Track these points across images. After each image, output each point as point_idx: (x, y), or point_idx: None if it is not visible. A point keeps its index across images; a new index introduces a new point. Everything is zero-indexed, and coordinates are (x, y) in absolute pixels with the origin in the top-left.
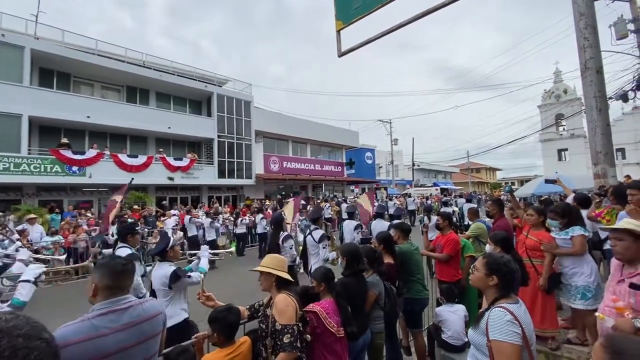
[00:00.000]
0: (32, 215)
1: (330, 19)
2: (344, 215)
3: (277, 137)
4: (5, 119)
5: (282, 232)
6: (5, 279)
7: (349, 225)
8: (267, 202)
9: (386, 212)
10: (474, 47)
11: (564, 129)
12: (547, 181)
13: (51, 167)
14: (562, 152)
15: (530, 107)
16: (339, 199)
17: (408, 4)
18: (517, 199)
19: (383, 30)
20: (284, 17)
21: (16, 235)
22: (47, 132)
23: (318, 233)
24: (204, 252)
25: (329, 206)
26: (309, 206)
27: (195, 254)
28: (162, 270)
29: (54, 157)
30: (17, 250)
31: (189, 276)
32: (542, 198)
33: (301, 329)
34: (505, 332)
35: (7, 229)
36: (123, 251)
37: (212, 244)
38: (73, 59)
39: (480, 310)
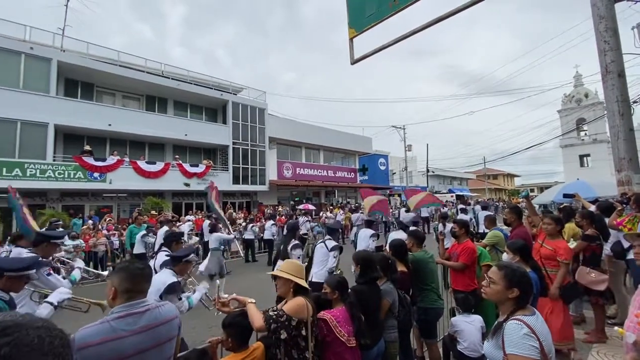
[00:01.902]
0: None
1: (342, 27)
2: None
3: (291, 144)
4: (33, 127)
5: (292, 240)
6: (35, 293)
7: (365, 232)
8: (280, 209)
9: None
10: (489, 52)
11: (585, 134)
12: (565, 196)
13: (74, 174)
14: (584, 158)
15: (550, 112)
16: (352, 206)
17: (420, 11)
18: (535, 206)
19: (396, 37)
20: (297, 25)
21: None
22: (71, 139)
23: (332, 242)
24: (202, 288)
25: (342, 213)
26: (321, 212)
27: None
28: (163, 277)
29: (77, 163)
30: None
31: (180, 299)
32: (562, 206)
33: (292, 324)
34: (523, 346)
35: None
36: (162, 255)
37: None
38: (96, 70)
39: (496, 322)
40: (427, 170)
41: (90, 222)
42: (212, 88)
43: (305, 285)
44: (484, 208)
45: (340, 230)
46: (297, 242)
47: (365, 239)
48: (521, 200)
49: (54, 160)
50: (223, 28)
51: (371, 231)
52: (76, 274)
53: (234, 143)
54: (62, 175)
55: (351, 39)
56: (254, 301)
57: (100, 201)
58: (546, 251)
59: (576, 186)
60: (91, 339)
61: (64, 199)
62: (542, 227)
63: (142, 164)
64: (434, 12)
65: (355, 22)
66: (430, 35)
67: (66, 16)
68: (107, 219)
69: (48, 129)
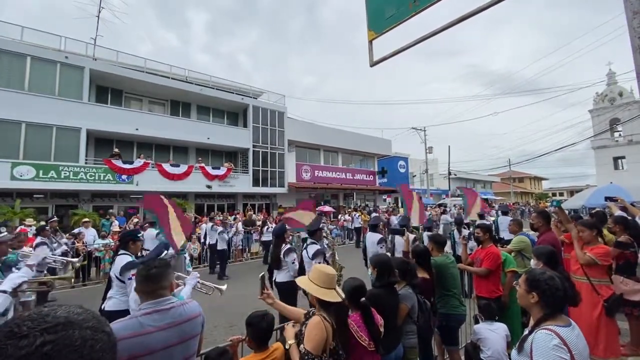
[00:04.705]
0: (87, 220)
1: (361, 29)
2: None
3: (309, 147)
4: (67, 132)
5: (284, 245)
6: None
7: (371, 237)
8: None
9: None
10: (514, 51)
11: (620, 134)
12: (607, 199)
13: (104, 176)
14: (619, 160)
15: (580, 112)
16: (370, 209)
17: (441, 10)
18: (566, 212)
19: (416, 38)
20: (316, 29)
21: (65, 239)
22: (101, 143)
23: (313, 248)
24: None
25: (358, 215)
26: (340, 215)
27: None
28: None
29: (106, 166)
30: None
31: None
32: (594, 210)
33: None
34: (552, 358)
35: (59, 233)
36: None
37: (222, 254)
38: (125, 77)
39: (525, 331)
40: (449, 173)
41: (116, 222)
42: (233, 93)
43: (328, 299)
44: (505, 213)
45: (321, 229)
46: (289, 246)
47: (373, 245)
48: (550, 206)
49: (85, 163)
50: (245, 34)
51: (378, 236)
52: (186, 292)
53: (254, 146)
54: (93, 178)
55: (370, 41)
56: (293, 342)
57: (128, 202)
58: (587, 259)
59: (609, 190)
60: (121, 333)
61: (94, 199)
62: (578, 236)
63: (166, 166)
64: (455, 11)
65: (375, 24)
66: (451, 34)
67: (98, 26)
68: (134, 220)
69: (81, 134)
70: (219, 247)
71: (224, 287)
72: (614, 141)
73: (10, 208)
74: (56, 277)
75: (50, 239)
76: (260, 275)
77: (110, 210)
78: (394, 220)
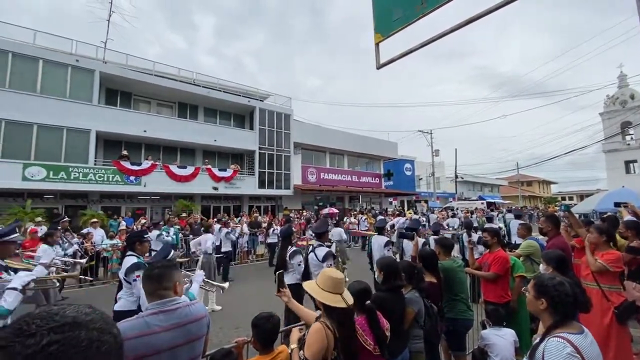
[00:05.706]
0: (95, 220)
1: (367, 31)
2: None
3: (315, 149)
4: (77, 133)
5: (290, 247)
6: None
7: (378, 240)
8: (305, 213)
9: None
10: (524, 52)
11: (631, 138)
12: (616, 204)
13: (112, 177)
14: (631, 164)
15: (590, 115)
16: (376, 211)
17: (449, 12)
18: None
19: (423, 40)
20: (322, 31)
21: (76, 239)
22: (110, 145)
23: (322, 250)
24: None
25: (365, 218)
26: (345, 218)
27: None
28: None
29: (115, 167)
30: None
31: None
32: (606, 215)
33: None
34: None
35: (69, 232)
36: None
37: (227, 255)
38: (134, 80)
39: (535, 339)
40: (456, 176)
41: (123, 223)
42: (240, 95)
43: (330, 303)
44: (518, 217)
45: (328, 231)
46: (295, 248)
47: (380, 248)
48: (559, 210)
49: (95, 165)
50: (251, 36)
51: (385, 239)
52: (194, 289)
53: (260, 148)
54: (101, 179)
55: (377, 44)
56: (295, 346)
57: (136, 203)
58: (597, 264)
59: (620, 194)
60: (128, 333)
61: (102, 200)
62: (587, 238)
63: (174, 168)
64: (463, 13)
65: (382, 27)
66: (459, 36)
67: (108, 30)
68: (142, 221)
69: (90, 135)
70: (222, 249)
71: (226, 285)
72: (625, 144)
73: (21, 208)
74: (64, 275)
75: (62, 238)
76: (278, 272)
77: (100, 212)
78: (403, 222)
